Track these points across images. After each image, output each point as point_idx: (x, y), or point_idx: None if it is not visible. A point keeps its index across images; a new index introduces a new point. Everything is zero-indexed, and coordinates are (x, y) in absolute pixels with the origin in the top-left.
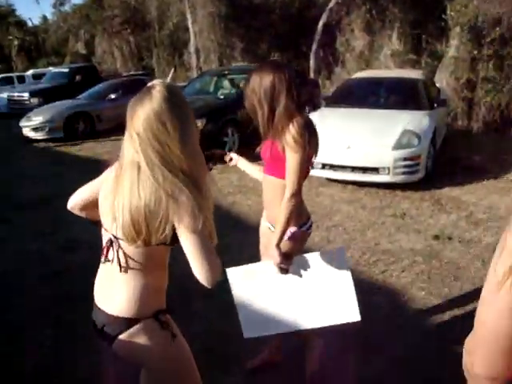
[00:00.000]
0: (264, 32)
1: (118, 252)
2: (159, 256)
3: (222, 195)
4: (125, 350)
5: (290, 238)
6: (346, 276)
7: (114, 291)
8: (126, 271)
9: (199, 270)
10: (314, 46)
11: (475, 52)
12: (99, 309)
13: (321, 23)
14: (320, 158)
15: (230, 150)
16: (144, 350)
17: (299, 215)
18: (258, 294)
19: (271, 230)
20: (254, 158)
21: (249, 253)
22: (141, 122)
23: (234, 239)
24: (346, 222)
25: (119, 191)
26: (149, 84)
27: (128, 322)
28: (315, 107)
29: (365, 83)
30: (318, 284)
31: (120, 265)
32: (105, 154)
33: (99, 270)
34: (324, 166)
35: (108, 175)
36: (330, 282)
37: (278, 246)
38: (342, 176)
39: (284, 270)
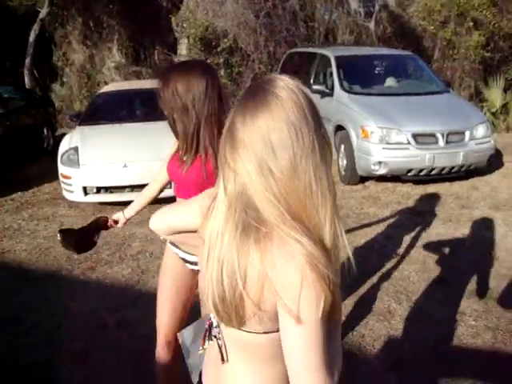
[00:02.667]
0: None
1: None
2: None
3: None
4: None
5: None
6: None
7: None
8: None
9: None
10: (28, 61)
11: (208, 61)
12: None
13: (32, 36)
14: (93, 181)
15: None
16: None
17: None
18: None
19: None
20: None
21: None
22: None
23: None
24: (149, 246)
25: None
26: None
27: None
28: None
29: (118, 96)
30: None
31: None
32: None
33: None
34: (99, 190)
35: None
36: None
37: None
38: (120, 198)
39: None
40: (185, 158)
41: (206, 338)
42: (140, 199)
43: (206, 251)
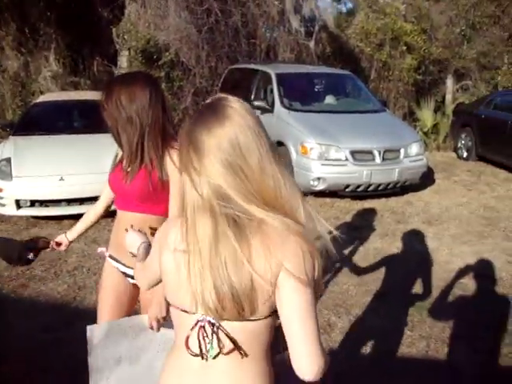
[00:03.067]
0: None
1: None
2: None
3: None
4: None
5: None
6: None
7: None
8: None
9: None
10: None
11: None
12: None
13: None
14: (27, 194)
15: None
16: None
17: None
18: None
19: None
20: None
21: None
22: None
23: None
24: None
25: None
26: None
27: None
28: None
29: (55, 107)
30: None
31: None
32: None
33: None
34: (33, 203)
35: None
36: None
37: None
38: (56, 211)
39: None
40: (129, 169)
41: (209, 339)
42: (84, 220)
43: (187, 265)
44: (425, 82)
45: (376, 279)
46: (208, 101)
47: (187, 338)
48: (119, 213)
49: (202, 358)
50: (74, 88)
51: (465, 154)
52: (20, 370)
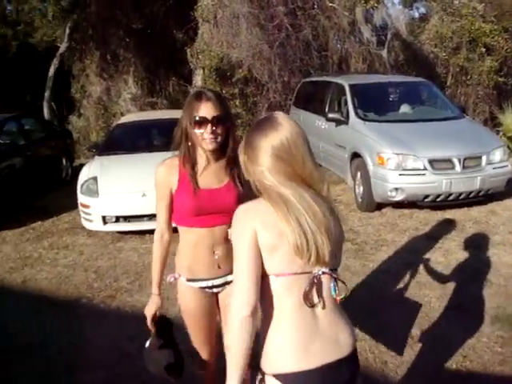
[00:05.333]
0: None
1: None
2: None
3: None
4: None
5: None
6: None
7: (338, 331)
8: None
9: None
10: (47, 94)
11: (223, 91)
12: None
13: (52, 70)
14: (112, 210)
15: None
16: None
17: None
18: None
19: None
20: None
21: None
22: None
23: None
24: None
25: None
26: None
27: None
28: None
29: (136, 127)
30: None
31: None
32: None
33: (297, 324)
34: (118, 219)
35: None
36: None
37: None
38: (139, 226)
39: None
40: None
41: (333, 285)
42: (158, 265)
43: (299, 229)
44: (507, 84)
45: (459, 292)
46: (261, 117)
47: (305, 293)
48: (198, 231)
49: (324, 307)
50: (152, 108)
51: None
52: (106, 379)
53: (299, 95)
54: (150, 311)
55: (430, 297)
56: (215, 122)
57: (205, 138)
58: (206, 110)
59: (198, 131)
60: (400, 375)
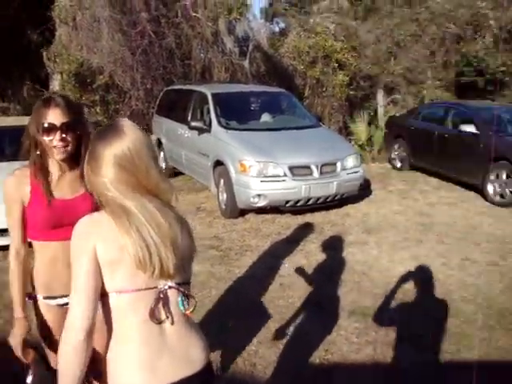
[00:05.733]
0: None
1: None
2: None
3: None
4: None
5: None
6: None
7: (189, 346)
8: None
9: None
10: None
11: (83, 98)
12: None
13: None
14: None
15: None
16: None
17: None
18: None
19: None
20: None
21: None
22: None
23: None
24: None
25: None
26: None
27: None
28: None
29: None
30: None
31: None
32: None
33: (144, 341)
34: None
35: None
36: None
37: None
38: None
39: None
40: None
41: (181, 298)
42: (18, 289)
43: (141, 242)
44: (357, 96)
45: (319, 291)
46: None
47: (152, 310)
48: (54, 245)
49: (173, 322)
50: (3, 114)
51: (398, 164)
52: None
53: (162, 103)
54: (18, 338)
55: (293, 298)
56: (64, 128)
57: (54, 146)
58: (55, 116)
59: (46, 139)
60: (268, 375)
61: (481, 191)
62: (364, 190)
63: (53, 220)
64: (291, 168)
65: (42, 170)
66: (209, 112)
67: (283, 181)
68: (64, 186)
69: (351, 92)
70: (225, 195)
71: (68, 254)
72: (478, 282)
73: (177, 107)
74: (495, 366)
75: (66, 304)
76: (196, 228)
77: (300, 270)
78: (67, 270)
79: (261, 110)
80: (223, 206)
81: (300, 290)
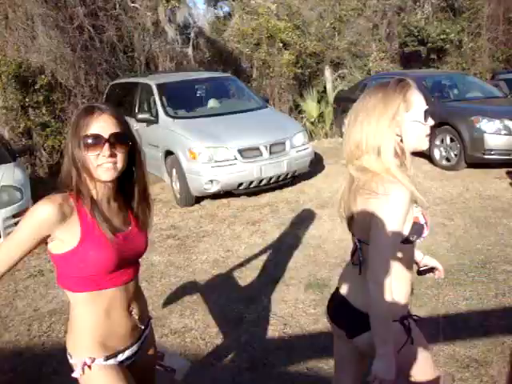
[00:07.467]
0: None
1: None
2: None
3: None
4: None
5: None
6: None
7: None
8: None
9: None
10: None
11: (26, 100)
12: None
13: None
14: None
15: None
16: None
17: None
18: None
19: None
20: None
21: None
22: None
23: None
24: None
25: None
26: None
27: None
28: None
29: None
30: None
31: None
32: None
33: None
34: None
35: None
36: None
37: None
38: None
39: None
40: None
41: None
42: None
43: None
44: (304, 74)
45: (277, 267)
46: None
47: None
48: (111, 292)
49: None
50: None
51: None
52: None
53: (109, 98)
54: None
55: (252, 277)
56: (113, 140)
57: (100, 164)
58: (100, 125)
59: (91, 155)
60: (231, 354)
61: (428, 156)
62: (317, 166)
63: (119, 260)
64: (241, 151)
65: (89, 198)
66: (155, 103)
67: (234, 164)
68: (116, 216)
69: (298, 70)
70: (178, 184)
71: (125, 298)
72: (426, 242)
73: (124, 101)
74: (443, 319)
75: (127, 359)
76: (153, 219)
77: (257, 250)
78: (126, 317)
79: (207, 96)
80: (178, 195)
81: (257, 269)
